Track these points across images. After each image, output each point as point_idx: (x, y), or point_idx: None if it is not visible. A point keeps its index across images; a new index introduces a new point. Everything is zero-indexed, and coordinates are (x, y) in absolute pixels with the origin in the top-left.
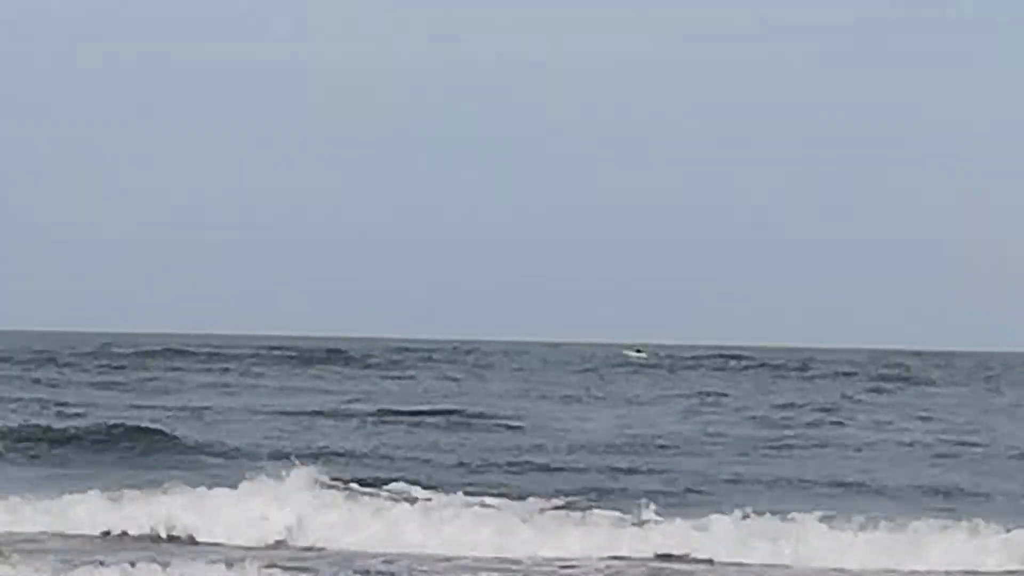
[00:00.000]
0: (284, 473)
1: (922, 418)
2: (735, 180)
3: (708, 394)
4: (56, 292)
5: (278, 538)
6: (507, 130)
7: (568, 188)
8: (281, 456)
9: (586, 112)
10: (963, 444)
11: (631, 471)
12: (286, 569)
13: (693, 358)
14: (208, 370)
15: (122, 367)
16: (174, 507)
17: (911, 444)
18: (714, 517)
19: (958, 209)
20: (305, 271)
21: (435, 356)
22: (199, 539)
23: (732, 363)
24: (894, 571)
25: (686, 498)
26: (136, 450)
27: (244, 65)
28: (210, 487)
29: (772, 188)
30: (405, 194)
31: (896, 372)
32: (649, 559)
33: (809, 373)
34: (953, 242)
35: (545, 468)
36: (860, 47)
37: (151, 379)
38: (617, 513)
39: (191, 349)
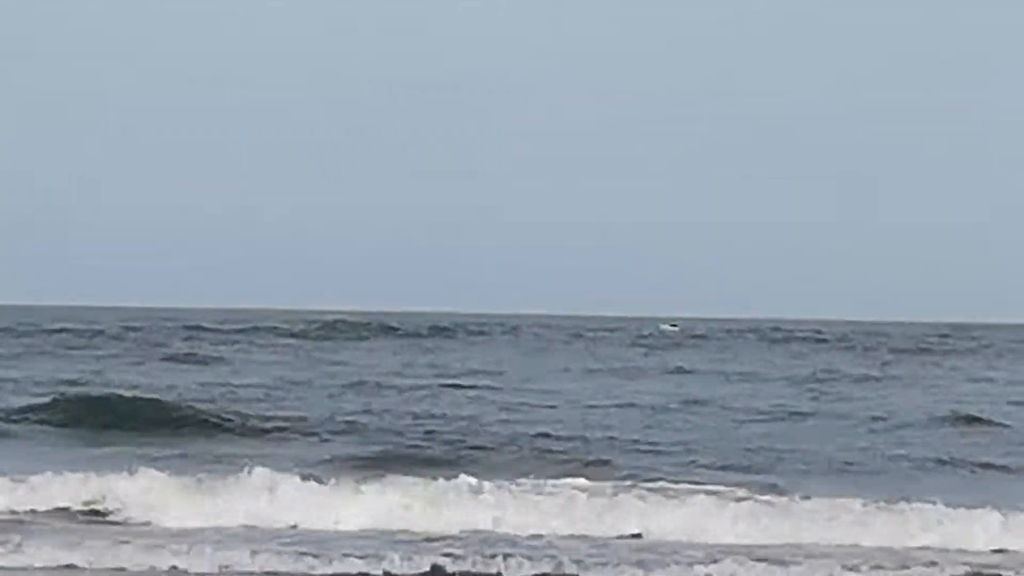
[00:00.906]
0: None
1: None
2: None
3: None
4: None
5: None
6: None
7: (609, 156)
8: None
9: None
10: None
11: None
12: None
13: (727, 331)
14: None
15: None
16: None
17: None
18: None
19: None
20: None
21: (474, 330)
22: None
23: (767, 335)
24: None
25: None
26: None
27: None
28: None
29: (811, 163)
30: (431, 173)
31: (927, 345)
32: None
33: (834, 345)
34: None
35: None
36: None
37: (190, 354)
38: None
39: (210, 325)
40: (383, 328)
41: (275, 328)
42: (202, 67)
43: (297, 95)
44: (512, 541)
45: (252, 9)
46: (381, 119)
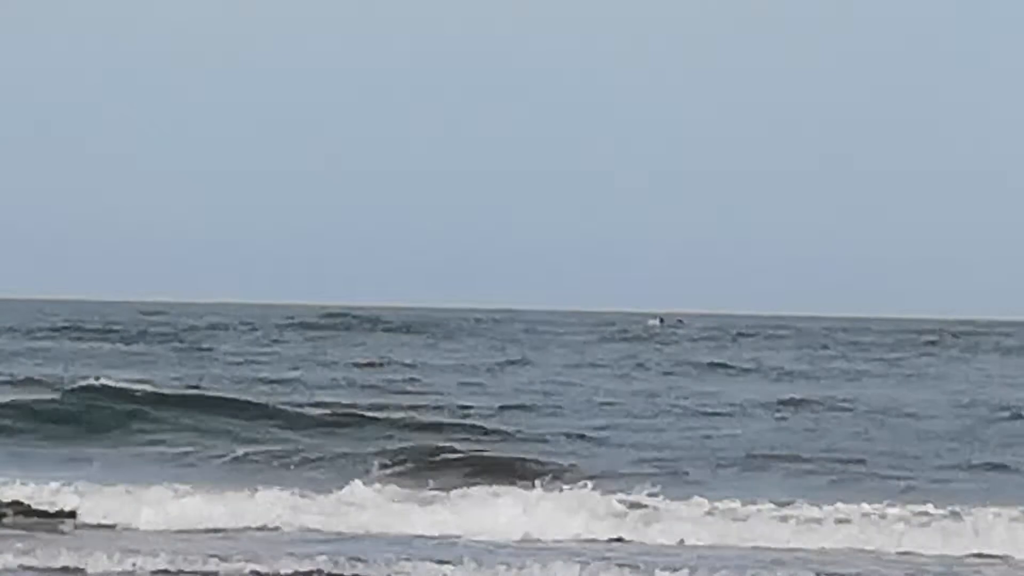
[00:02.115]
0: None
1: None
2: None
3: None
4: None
5: None
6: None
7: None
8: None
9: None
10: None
11: None
12: None
13: (717, 327)
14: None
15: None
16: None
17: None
18: None
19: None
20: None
21: (473, 324)
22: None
23: (762, 333)
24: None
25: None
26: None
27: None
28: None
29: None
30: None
31: (900, 339)
32: None
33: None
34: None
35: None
36: None
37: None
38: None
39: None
40: (380, 322)
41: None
42: (203, 64)
43: (297, 92)
44: None
45: (251, 7)
46: (379, 118)
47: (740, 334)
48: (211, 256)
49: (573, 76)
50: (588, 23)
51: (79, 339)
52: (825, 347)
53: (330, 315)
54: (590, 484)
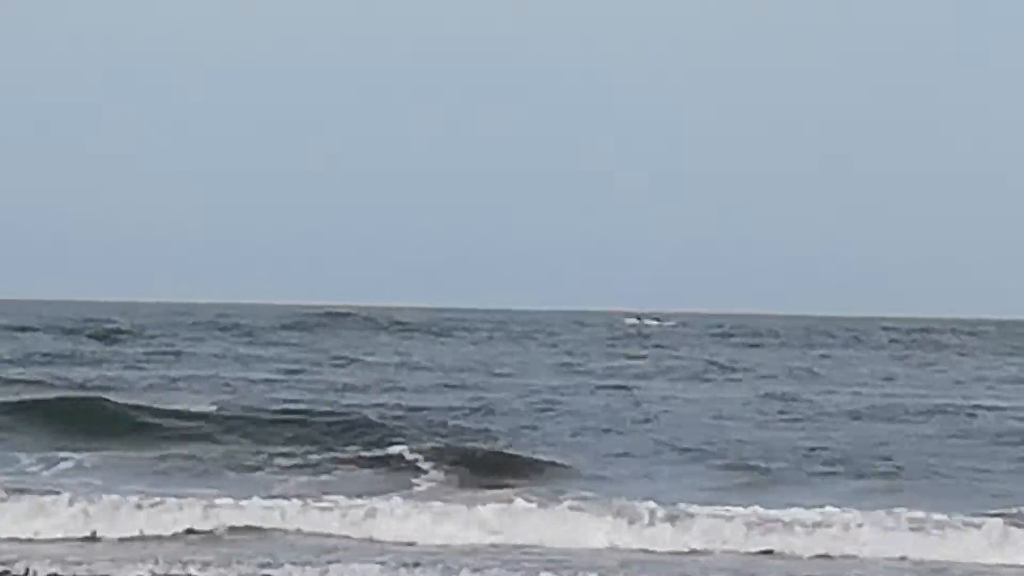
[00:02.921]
0: None
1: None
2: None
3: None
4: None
5: None
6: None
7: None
8: None
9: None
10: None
11: None
12: None
13: (695, 325)
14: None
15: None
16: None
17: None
18: None
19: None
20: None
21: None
22: None
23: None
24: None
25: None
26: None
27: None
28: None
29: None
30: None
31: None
32: None
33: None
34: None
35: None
36: None
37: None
38: None
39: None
40: (367, 321)
41: (236, 322)
42: (203, 64)
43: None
44: None
45: (251, 7)
46: (379, 118)
47: (718, 333)
48: (211, 256)
49: (573, 76)
50: (588, 23)
51: (68, 339)
52: (807, 346)
53: (328, 315)
54: (590, 489)
